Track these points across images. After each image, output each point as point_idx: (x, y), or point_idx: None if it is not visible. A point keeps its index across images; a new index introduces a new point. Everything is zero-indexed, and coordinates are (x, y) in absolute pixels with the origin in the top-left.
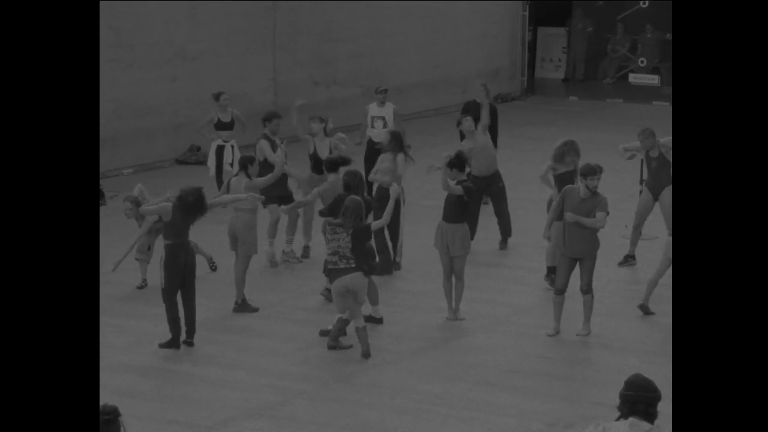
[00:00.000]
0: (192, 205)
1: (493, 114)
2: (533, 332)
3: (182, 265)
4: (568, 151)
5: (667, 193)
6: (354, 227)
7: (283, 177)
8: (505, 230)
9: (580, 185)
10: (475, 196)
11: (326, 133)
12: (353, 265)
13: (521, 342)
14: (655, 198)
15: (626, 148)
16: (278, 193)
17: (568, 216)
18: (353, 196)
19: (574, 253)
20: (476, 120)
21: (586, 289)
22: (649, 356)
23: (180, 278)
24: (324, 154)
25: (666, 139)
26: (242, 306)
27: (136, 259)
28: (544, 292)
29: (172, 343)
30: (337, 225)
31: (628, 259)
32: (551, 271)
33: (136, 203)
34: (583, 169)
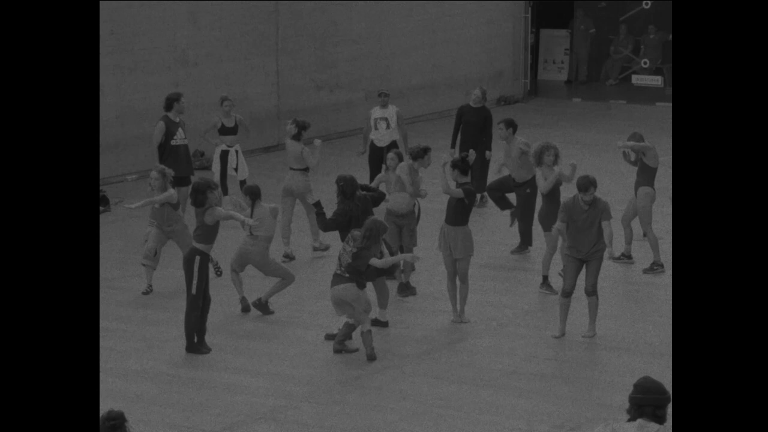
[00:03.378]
0: None
1: (487, 118)
2: (539, 334)
3: None
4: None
5: (641, 193)
6: (364, 248)
7: (187, 158)
8: (523, 236)
9: (578, 196)
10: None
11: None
12: (347, 275)
13: (527, 344)
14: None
15: (625, 146)
16: (180, 174)
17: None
18: (378, 220)
19: (581, 254)
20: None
21: (591, 291)
22: (655, 357)
23: None
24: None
25: (631, 142)
26: (262, 306)
27: (143, 264)
28: (550, 293)
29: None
30: (351, 238)
31: (623, 257)
32: (547, 279)
33: (163, 174)
34: (581, 182)
